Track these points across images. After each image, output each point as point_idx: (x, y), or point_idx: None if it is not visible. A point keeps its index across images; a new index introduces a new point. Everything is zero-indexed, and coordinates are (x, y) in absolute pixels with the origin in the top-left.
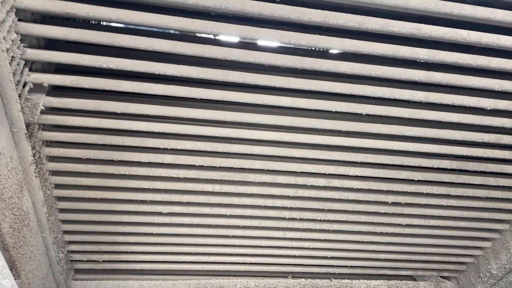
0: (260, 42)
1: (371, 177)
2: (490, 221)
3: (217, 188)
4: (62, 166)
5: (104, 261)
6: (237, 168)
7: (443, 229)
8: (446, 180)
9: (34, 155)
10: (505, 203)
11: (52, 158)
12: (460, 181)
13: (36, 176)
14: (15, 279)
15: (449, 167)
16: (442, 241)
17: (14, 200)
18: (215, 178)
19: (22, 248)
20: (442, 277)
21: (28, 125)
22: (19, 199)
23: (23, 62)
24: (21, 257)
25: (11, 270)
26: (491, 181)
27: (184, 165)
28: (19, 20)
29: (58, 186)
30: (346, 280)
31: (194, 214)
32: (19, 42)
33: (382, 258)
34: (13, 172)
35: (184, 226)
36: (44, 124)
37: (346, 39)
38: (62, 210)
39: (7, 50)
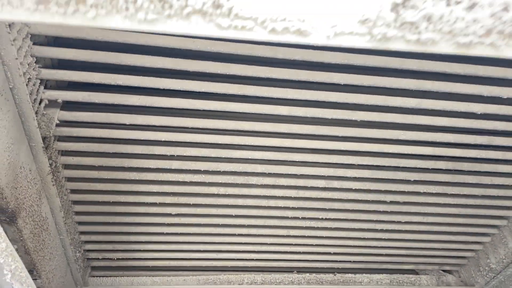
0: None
1: (369, 178)
2: (488, 217)
3: (222, 190)
4: (77, 173)
5: (118, 259)
6: (240, 172)
7: (442, 225)
8: (442, 180)
9: (50, 165)
10: (501, 200)
11: (68, 166)
12: (456, 181)
13: (53, 184)
14: (36, 279)
15: (444, 168)
16: (442, 236)
17: (33, 208)
18: (220, 181)
19: (42, 250)
20: (443, 270)
21: (44, 138)
22: (38, 206)
23: (39, 81)
24: (41, 259)
25: (32, 271)
26: (486, 180)
27: (190, 170)
28: (34, 43)
29: (74, 191)
30: (350, 274)
31: (202, 215)
32: (34, 64)
33: (384, 253)
34: (32, 183)
35: (192, 226)
36: (59, 136)
37: (337, 52)
38: (78, 213)
39: (24, 73)
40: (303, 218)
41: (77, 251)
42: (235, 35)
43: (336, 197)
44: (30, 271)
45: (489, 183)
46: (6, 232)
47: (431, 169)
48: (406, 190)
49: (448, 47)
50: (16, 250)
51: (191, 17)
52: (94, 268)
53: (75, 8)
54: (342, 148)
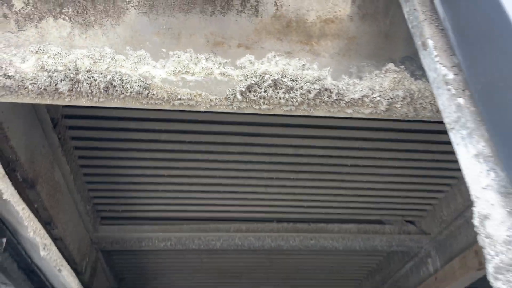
0: None
1: (331, 146)
2: (442, 177)
3: (205, 156)
4: (83, 143)
5: (123, 211)
6: (221, 142)
7: (402, 184)
8: (394, 148)
9: (59, 139)
10: (450, 163)
11: (75, 137)
12: (408, 148)
13: (62, 155)
14: (53, 229)
15: (393, 138)
16: (402, 193)
17: (48, 175)
18: (203, 149)
19: (57, 207)
20: (407, 221)
21: (53, 119)
22: (51, 173)
23: None
24: (56, 214)
25: (50, 223)
26: (433, 147)
27: (177, 140)
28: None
29: (81, 157)
30: (322, 224)
31: (191, 176)
32: None
33: (352, 206)
34: (45, 156)
35: (183, 184)
36: (66, 114)
37: None
38: (86, 174)
39: None
40: (277, 178)
41: (87, 205)
42: None
43: (303, 162)
44: (48, 223)
45: (436, 149)
46: (28, 195)
47: (385, 139)
48: (364, 156)
49: (280, 111)
50: (36, 208)
51: None
52: (103, 218)
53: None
54: (308, 123)
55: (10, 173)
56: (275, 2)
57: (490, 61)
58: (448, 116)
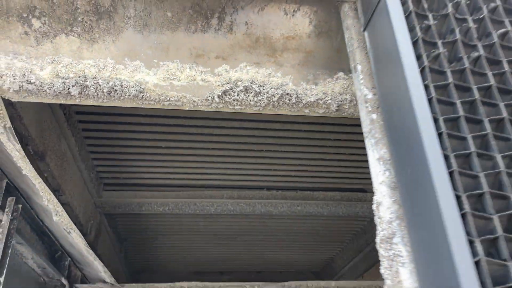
0: None
1: (314, 122)
2: None
3: (200, 130)
4: (87, 117)
5: (124, 178)
6: (213, 117)
7: None
8: None
9: (65, 114)
10: None
11: (79, 112)
12: None
13: (68, 129)
14: (61, 195)
15: None
16: None
17: (55, 147)
18: (199, 124)
19: (64, 176)
20: None
21: None
22: (59, 145)
23: None
24: (64, 182)
25: (58, 190)
26: None
27: (174, 116)
28: None
29: (85, 129)
30: (308, 192)
31: (187, 147)
32: None
33: (335, 176)
34: (53, 131)
35: (180, 155)
36: None
37: None
38: (90, 145)
39: None
40: (266, 151)
41: (91, 173)
42: None
43: (291, 136)
44: (57, 190)
45: None
46: (38, 166)
47: None
48: (344, 131)
49: (250, 111)
50: (46, 177)
51: None
52: (106, 184)
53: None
54: None
55: (23, 147)
56: (246, 22)
57: (388, 84)
58: (364, 127)
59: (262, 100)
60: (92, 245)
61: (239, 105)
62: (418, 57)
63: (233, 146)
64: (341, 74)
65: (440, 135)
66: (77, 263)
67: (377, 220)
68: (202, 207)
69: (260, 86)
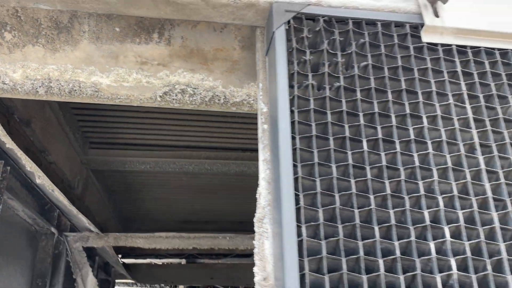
0: None
1: None
2: None
3: None
4: None
5: (108, 138)
6: None
7: None
8: None
9: None
10: None
11: None
12: None
13: None
14: (48, 156)
15: None
16: None
17: (40, 114)
18: None
19: (49, 138)
20: None
21: None
22: (43, 112)
23: None
24: (49, 144)
25: (45, 151)
26: None
27: None
28: None
29: None
30: None
31: (166, 108)
32: None
33: None
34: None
35: (160, 119)
36: None
37: None
38: (74, 108)
39: None
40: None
41: (76, 134)
42: None
43: None
44: (43, 151)
45: None
46: (25, 132)
47: None
48: None
49: (187, 107)
50: (33, 141)
51: None
52: (92, 143)
53: None
54: None
55: (9, 116)
56: (182, 36)
57: (272, 104)
58: (259, 134)
59: (196, 100)
60: (80, 197)
61: (178, 103)
62: (291, 86)
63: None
64: None
65: (294, 150)
66: (65, 215)
67: (257, 206)
68: (180, 166)
69: (195, 88)
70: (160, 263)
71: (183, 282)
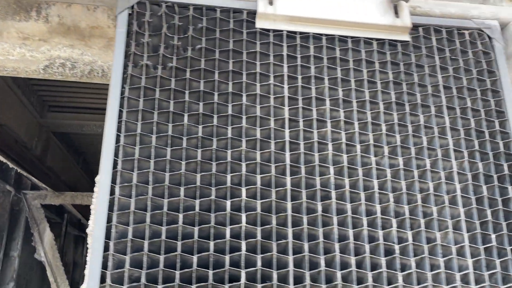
0: None
1: None
2: None
3: None
4: None
5: (66, 101)
6: None
7: None
8: None
9: None
10: None
11: None
12: None
13: None
14: (3, 124)
15: None
16: None
17: None
18: None
19: (5, 109)
20: None
21: None
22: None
23: None
24: (4, 110)
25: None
26: None
27: None
28: None
29: None
30: None
31: None
32: None
33: None
34: None
35: None
36: None
37: None
38: None
39: None
40: None
41: (32, 98)
42: None
43: None
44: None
45: None
46: None
47: None
48: None
49: (71, 79)
50: None
51: None
52: (50, 106)
53: None
54: None
55: None
56: (58, 15)
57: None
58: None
59: (77, 73)
60: (39, 158)
61: (60, 75)
62: (126, 66)
63: None
64: None
65: (120, 122)
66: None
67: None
68: None
69: (74, 62)
70: None
71: None
